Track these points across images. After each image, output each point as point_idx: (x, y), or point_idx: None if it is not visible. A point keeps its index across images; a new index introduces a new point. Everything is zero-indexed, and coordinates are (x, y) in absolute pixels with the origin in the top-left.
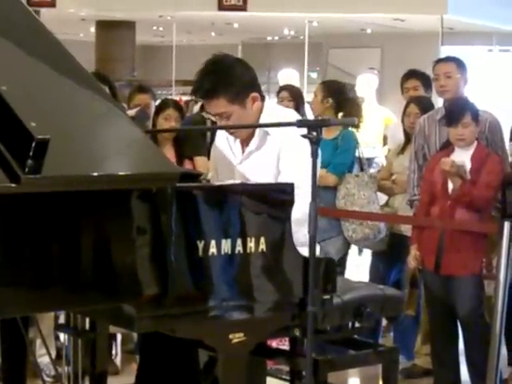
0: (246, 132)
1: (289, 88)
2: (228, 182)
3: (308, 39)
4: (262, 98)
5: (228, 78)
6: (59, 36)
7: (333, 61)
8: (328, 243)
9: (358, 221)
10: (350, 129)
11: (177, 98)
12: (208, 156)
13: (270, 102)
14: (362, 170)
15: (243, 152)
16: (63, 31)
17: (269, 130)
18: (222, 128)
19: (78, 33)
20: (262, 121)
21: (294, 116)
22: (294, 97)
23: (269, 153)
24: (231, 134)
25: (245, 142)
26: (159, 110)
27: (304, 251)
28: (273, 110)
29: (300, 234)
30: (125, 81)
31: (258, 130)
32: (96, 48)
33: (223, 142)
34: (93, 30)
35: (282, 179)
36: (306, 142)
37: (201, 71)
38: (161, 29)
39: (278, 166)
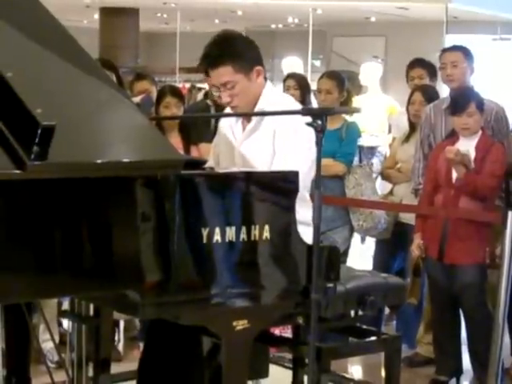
0: (246, 104)
1: (295, 76)
2: (232, 170)
3: (312, 27)
4: (265, 79)
5: (235, 48)
6: (63, 23)
7: (337, 49)
8: (335, 232)
9: (368, 210)
10: (352, 120)
11: (180, 85)
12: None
13: (274, 87)
14: (360, 161)
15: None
16: (67, 18)
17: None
18: (226, 115)
19: (81, 19)
20: (261, 104)
21: (295, 105)
22: (300, 85)
23: (265, 133)
24: (232, 107)
25: (246, 122)
26: (158, 98)
27: (301, 229)
28: (275, 95)
29: (299, 214)
30: (128, 68)
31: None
32: (100, 35)
33: (226, 124)
34: (97, 16)
35: (276, 161)
36: (303, 125)
37: (209, 43)
38: (165, 16)
39: (274, 146)
